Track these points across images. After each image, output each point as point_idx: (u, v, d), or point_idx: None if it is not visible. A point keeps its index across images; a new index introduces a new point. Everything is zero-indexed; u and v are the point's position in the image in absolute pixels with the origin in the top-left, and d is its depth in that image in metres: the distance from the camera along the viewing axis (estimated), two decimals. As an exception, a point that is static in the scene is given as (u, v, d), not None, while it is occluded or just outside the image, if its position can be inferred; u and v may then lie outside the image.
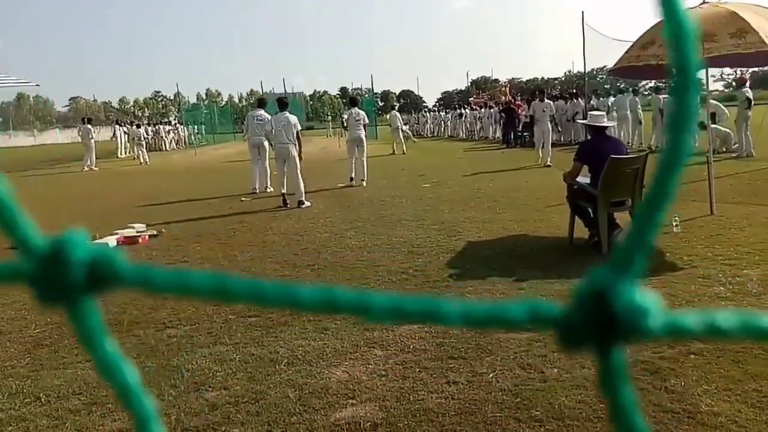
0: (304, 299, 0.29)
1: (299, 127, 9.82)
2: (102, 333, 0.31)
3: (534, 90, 28.78)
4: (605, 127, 5.99)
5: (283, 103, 10.12)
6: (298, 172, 9.57)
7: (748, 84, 13.68)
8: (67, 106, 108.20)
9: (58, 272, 0.29)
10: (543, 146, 14.30)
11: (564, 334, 0.29)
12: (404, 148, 21.43)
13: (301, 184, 9.52)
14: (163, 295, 0.30)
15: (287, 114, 9.77)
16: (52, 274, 0.29)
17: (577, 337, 0.29)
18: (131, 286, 0.29)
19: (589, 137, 6.15)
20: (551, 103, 15.24)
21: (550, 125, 14.70)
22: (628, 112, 17.40)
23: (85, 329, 0.31)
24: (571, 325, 0.29)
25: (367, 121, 12.46)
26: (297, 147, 9.69)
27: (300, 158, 9.74)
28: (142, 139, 24.03)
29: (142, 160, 22.72)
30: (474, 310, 0.29)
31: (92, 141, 21.24)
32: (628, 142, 17.41)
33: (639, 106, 17.54)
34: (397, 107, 26.81)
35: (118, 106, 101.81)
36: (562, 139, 20.64)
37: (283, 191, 9.73)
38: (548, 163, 13.53)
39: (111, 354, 0.32)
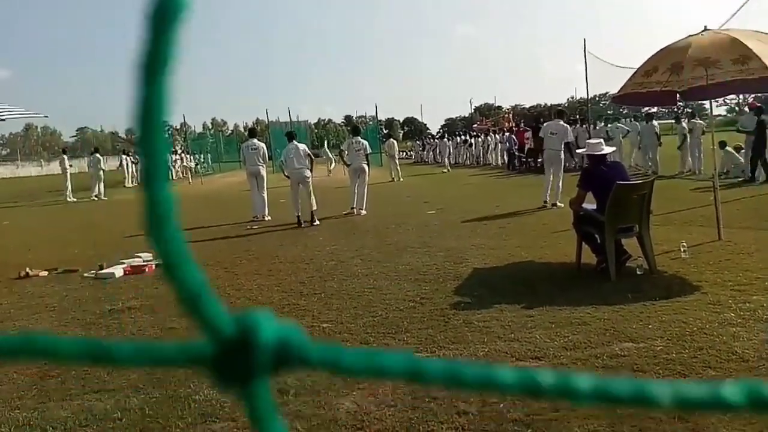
0: (504, 381, 0.28)
1: (309, 151, 11.02)
2: (273, 413, 0.31)
3: (537, 116, 28.80)
4: (605, 155, 6.01)
5: (290, 135, 11.46)
6: (311, 191, 10.65)
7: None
8: (74, 136, 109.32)
9: (246, 357, 0.28)
10: (552, 178, 11.38)
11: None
12: (400, 176, 21.82)
13: (314, 204, 10.59)
14: (352, 376, 0.30)
15: (296, 143, 10.94)
16: (237, 358, 0.28)
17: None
18: (317, 367, 0.29)
19: (587, 165, 6.15)
20: (565, 125, 11.90)
21: (562, 155, 11.58)
22: (643, 137, 17.52)
23: (259, 410, 0.30)
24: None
25: (369, 150, 12.53)
26: (311, 168, 10.83)
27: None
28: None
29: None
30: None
31: (101, 171, 21.42)
32: (632, 165, 17.51)
33: (657, 131, 17.55)
34: (401, 135, 27.52)
35: (125, 136, 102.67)
36: (568, 164, 20.65)
37: (297, 214, 10.57)
38: (557, 203, 10.94)
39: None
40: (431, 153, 39.89)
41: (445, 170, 26.64)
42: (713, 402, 0.28)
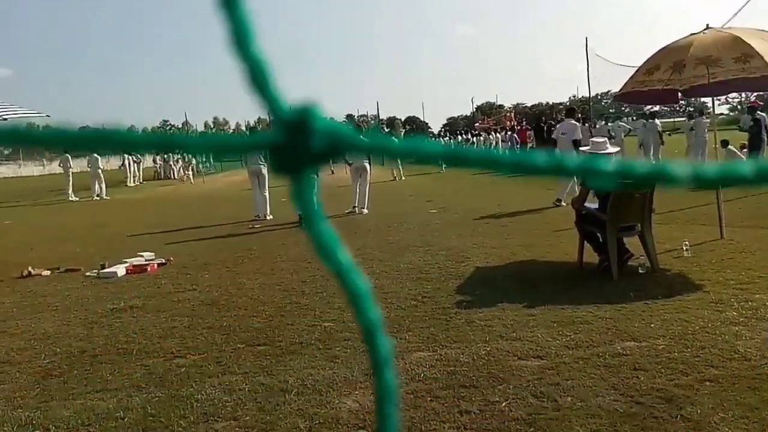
0: (536, 163, 0.31)
1: None
2: (320, 211, 0.34)
3: (539, 115, 28.82)
4: (609, 154, 6.01)
5: None
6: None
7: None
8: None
9: (304, 140, 0.31)
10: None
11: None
12: (402, 174, 21.74)
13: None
14: (398, 158, 0.32)
15: None
16: (297, 142, 0.31)
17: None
18: (367, 151, 0.32)
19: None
20: (575, 123, 12.01)
21: (575, 154, 11.76)
22: (645, 135, 17.53)
23: (307, 203, 0.33)
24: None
25: None
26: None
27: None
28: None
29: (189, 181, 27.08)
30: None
31: (100, 170, 21.43)
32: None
33: (659, 129, 17.57)
34: (402, 134, 27.27)
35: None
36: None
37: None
38: (559, 202, 10.89)
39: (327, 233, 0.34)
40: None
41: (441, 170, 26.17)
42: (728, 177, 0.31)
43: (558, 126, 12.86)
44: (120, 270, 7.08)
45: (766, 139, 13.17)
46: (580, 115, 24.43)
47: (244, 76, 0.32)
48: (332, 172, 26.20)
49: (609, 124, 19.91)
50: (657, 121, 17.84)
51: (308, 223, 0.34)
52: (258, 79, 0.32)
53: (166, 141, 0.33)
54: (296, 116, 0.32)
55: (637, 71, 7.17)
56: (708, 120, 16.24)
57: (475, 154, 0.31)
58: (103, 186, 21.42)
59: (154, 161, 37.51)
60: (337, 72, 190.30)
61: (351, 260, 0.34)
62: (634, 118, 23.80)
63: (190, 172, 29.39)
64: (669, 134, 19.12)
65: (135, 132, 0.32)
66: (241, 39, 0.32)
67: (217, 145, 0.33)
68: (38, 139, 0.32)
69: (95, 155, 21.86)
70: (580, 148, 11.41)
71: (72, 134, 0.32)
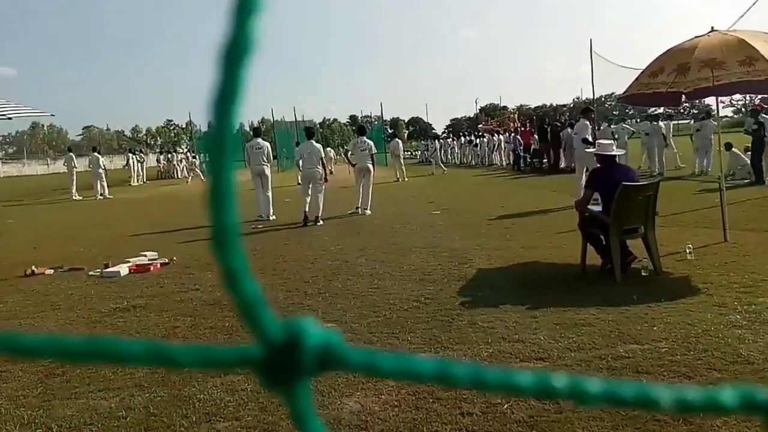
0: (522, 384, 0.31)
1: (323, 154, 11.24)
2: (313, 413, 0.33)
3: (542, 117, 28.74)
4: (614, 156, 6.00)
5: (310, 132, 11.71)
6: (321, 193, 10.84)
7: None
8: (80, 135, 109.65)
9: (293, 360, 0.31)
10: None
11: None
12: (405, 175, 21.67)
13: (321, 206, 10.75)
14: (387, 377, 0.32)
15: (313, 142, 11.18)
16: (285, 361, 0.31)
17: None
18: (357, 369, 0.31)
19: (598, 165, 6.16)
20: (586, 122, 11.92)
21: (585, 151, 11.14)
22: (654, 138, 17.48)
23: (301, 410, 0.33)
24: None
25: (374, 150, 12.55)
26: (322, 170, 11.00)
27: (326, 180, 11.04)
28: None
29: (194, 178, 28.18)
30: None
31: (101, 170, 21.48)
32: (640, 167, 17.46)
33: (663, 132, 17.51)
34: (406, 135, 27.37)
35: (131, 135, 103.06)
36: (574, 164, 20.66)
37: (304, 210, 10.68)
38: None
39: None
40: (435, 153, 39.88)
41: (432, 172, 25.42)
42: (710, 405, 0.31)
43: (575, 126, 12.84)
44: (123, 269, 7.10)
45: None
46: (593, 116, 24.45)
47: (235, 302, 0.32)
48: (332, 173, 26.28)
49: (613, 126, 19.87)
50: (661, 123, 17.79)
51: (302, 426, 0.33)
52: (247, 307, 0.32)
53: (156, 352, 0.32)
54: (286, 336, 0.31)
55: (641, 73, 7.15)
56: (714, 122, 16.19)
57: (463, 372, 0.31)
58: (105, 185, 21.47)
59: (158, 161, 37.63)
60: (342, 73, 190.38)
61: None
62: (638, 120, 23.77)
63: (198, 172, 29.38)
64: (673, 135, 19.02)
65: (128, 343, 0.32)
66: (234, 275, 0.32)
67: (206, 360, 0.33)
68: (31, 348, 0.32)
69: (96, 154, 21.93)
70: (587, 150, 11.33)
71: (65, 344, 0.32)
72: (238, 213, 0.32)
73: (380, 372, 0.31)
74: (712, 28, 6.85)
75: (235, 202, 0.32)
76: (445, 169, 26.64)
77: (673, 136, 19.24)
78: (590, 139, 11.51)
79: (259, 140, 12.24)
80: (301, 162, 11.19)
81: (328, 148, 35.39)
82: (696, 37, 6.76)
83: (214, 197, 0.32)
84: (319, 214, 10.69)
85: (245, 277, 0.32)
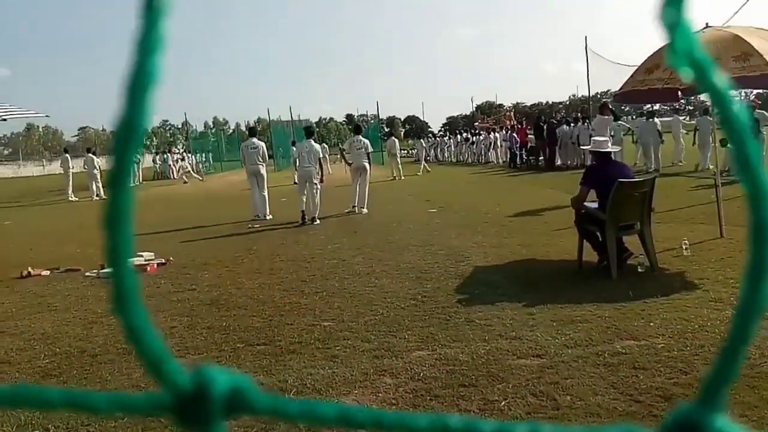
0: (420, 426, 0.32)
1: (321, 154, 11.17)
2: None
3: (539, 114, 28.75)
4: (610, 153, 6.00)
5: (309, 131, 11.65)
6: (318, 193, 10.77)
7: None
8: (76, 135, 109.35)
9: (201, 407, 0.31)
10: None
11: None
12: (401, 174, 21.67)
13: (318, 205, 10.75)
14: (293, 421, 0.34)
15: (311, 141, 11.11)
16: (194, 409, 0.31)
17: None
18: (264, 414, 0.32)
19: (594, 162, 6.17)
20: (603, 118, 11.53)
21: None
22: (645, 134, 17.50)
23: None
24: None
25: (371, 149, 12.55)
26: (319, 171, 10.94)
27: (321, 180, 10.98)
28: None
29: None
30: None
31: (96, 171, 21.43)
32: (636, 164, 17.48)
33: (658, 128, 17.54)
34: (402, 133, 27.25)
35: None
36: (570, 162, 20.72)
37: (302, 209, 10.66)
38: None
39: None
40: (432, 151, 39.94)
41: (419, 173, 24.21)
42: None
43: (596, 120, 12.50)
44: (119, 270, 7.07)
45: (765, 137, 13.17)
46: (580, 114, 24.46)
47: (139, 357, 0.32)
48: (330, 172, 26.26)
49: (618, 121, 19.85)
50: (657, 119, 17.83)
51: None
52: (152, 362, 0.32)
53: (74, 400, 0.33)
54: (193, 386, 0.32)
55: (636, 70, 7.17)
56: (711, 119, 16.21)
57: (363, 416, 0.32)
58: (100, 186, 21.41)
59: (154, 161, 37.56)
60: (337, 71, 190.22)
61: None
62: (634, 117, 23.81)
63: (198, 173, 29.41)
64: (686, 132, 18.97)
65: (49, 391, 0.33)
66: (135, 332, 0.32)
67: (123, 407, 0.33)
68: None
69: (90, 155, 21.89)
70: (581, 147, 11.26)
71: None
72: (131, 264, 0.32)
73: (286, 416, 0.32)
74: (707, 24, 6.86)
75: (131, 244, 0.32)
76: (429, 169, 25.94)
77: (683, 132, 19.24)
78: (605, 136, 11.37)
79: (255, 140, 12.26)
80: (298, 161, 11.17)
81: (323, 144, 35.41)
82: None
83: (111, 240, 0.32)
84: (317, 214, 10.69)
85: (147, 332, 0.32)
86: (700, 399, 0.29)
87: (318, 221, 10.58)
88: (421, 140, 34.12)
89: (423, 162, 26.60)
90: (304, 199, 10.76)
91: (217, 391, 0.31)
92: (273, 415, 0.32)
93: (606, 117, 11.62)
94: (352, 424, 0.32)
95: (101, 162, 22.71)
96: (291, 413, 0.32)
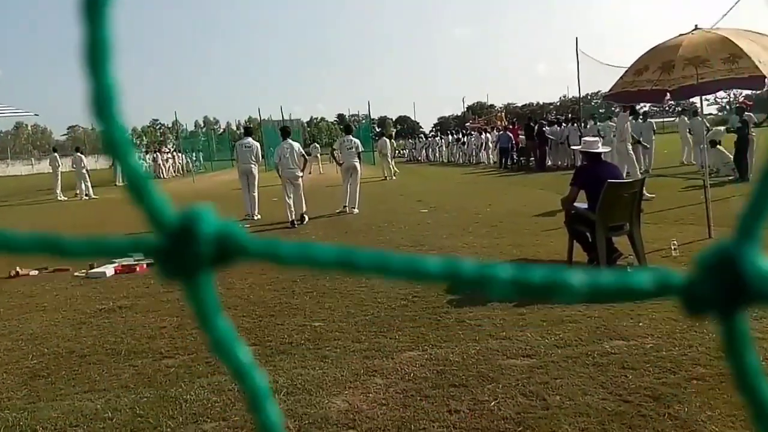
0: (431, 270, 0.29)
1: (302, 152, 11.00)
2: (217, 310, 0.32)
3: (530, 115, 28.77)
4: (600, 153, 6.03)
5: (286, 131, 11.26)
6: (301, 189, 10.66)
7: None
8: (65, 134, 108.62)
9: (188, 247, 0.29)
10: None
11: (690, 301, 0.29)
12: (393, 174, 21.63)
13: (304, 202, 10.65)
14: (288, 266, 0.31)
15: (291, 141, 10.85)
16: (181, 249, 0.29)
17: (703, 303, 0.29)
18: (257, 258, 0.30)
19: (584, 162, 6.20)
20: (624, 114, 11.26)
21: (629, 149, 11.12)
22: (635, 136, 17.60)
23: (203, 305, 0.31)
24: (698, 291, 0.29)
25: (361, 148, 12.52)
26: (302, 170, 10.84)
27: (302, 170, 10.91)
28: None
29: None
30: (599, 281, 0.30)
31: (84, 169, 21.29)
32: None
33: (654, 128, 17.67)
34: (394, 133, 27.07)
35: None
36: (560, 162, 20.81)
37: (291, 219, 10.50)
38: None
39: (225, 331, 0.32)
40: (423, 151, 39.99)
41: (386, 177, 21.69)
42: (625, 290, 0.31)
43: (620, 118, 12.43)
44: (109, 270, 7.04)
45: (753, 139, 13.29)
46: (570, 115, 24.57)
47: (125, 181, 0.30)
48: (320, 173, 26.23)
49: (599, 123, 19.96)
50: (651, 120, 17.98)
51: (204, 323, 0.32)
52: (136, 185, 0.30)
53: (49, 244, 0.31)
54: (180, 223, 0.30)
55: (626, 72, 7.20)
56: (701, 120, 16.33)
57: (367, 258, 0.30)
58: (89, 185, 21.27)
59: (144, 160, 37.34)
60: (329, 71, 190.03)
61: (250, 358, 0.32)
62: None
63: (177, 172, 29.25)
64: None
65: (23, 235, 0.31)
66: (117, 146, 0.30)
67: (103, 249, 0.32)
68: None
69: (78, 154, 21.74)
70: (572, 148, 11.27)
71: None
72: (117, 83, 0.30)
73: (280, 260, 0.30)
74: (696, 26, 6.91)
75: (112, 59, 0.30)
76: (396, 170, 23.41)
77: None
78: (628, 133, 11.18)
79: (249, 139, 12.21)
80: (281, 163, 10.73)
81: (315, 144, 35.24)
82: (680, 35, 6.82)
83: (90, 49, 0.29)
84: (304, 211, 10.63)
85: (131, 157, 0.30)
86: (736, 234, 0.29)
87: (307, 218, 10.56)
88: (384, 139, 29.25)
89: (390, 163, 22.99)
90: (291, 203, 10.54)
91: (204, 231, 0.29)
92: (265, 259, 0.30)
93: (629, 115, 11.53)
94: (354, 269, 0.30)
95: (92, 161, 22.57)
96: (285, 256, 0.30)
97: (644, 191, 9.96)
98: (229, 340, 0.32)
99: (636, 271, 0.31)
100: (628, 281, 0.30)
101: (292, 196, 10.60)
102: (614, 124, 20.28)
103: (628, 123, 11.57)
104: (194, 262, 0.30)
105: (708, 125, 15.44)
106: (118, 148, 0.30)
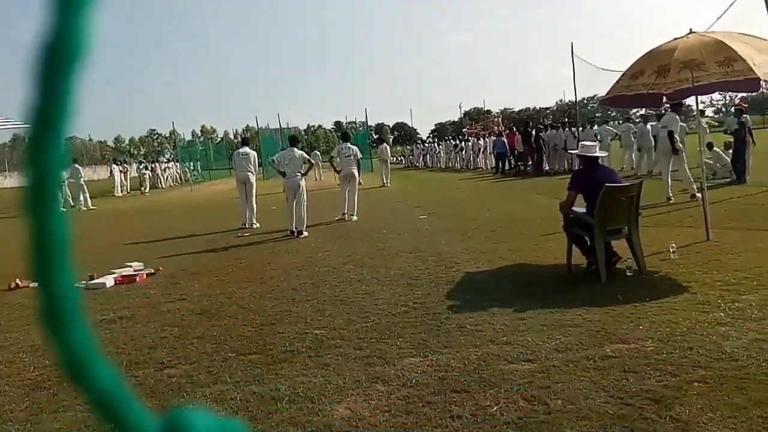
0: None
1: (307, 157, 10.81)
2: None
3: (526, 120, 28.88)
4: (597, 157, 6.06)
5: (294, 140, 11.14)
6: (305, 203, 10.36)
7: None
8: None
9: None
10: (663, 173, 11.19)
11: None
12: (390, 180, 21.70)
13: (305, 216, 10.31)
14: None
15: (295, 149, 10.64)
16: None
17: None
18: None
19: (581, 166, 6.22)
20: (672, 115, 10.90)
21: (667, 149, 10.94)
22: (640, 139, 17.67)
23: None
24: None
25: (360, 155, 12.52)
26: (305, 174, 10.63)
27: (305, 173, 10.69)
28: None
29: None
30: None
31: (82, 180, 21.29)
32: (623, 168, 17.62)
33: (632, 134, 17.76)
34: (391, 140, 27.16)
35: (114, 145, 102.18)
36: (557, 167, 20.85)
37: (291, 229, 10.29)
38: (693, 197, 10.33)
39: None
40: (421, 157, 40.06)
41: (384, 183, 21.69)
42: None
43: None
44: (108, 281, 7.04)
45: (750, 141, 13.34)
46: (567, 119, 24.60)
47: (92, 404, 0.24)
48: (316, 179, 26.21)
49: (596, 127, 20.03)
50: (649, 125, 18.03)
51: None
52: (104, 401, 0.25)
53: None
54: None
55: (622, 76, 7.23)
56: (704, 121, 16.38)
57: None
58: (87, 196, 21.28)
59: (141, 171, 37.34)
60: (326, 78, 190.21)
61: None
62: (620, 121, 24.06)
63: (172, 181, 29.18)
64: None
65: None
66: (77, 362, 0.24)
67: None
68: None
69: (76, 165, 21.76)
70: (569, 151, 11.28)
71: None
72: (74, 271, 0.22)
73: None
74: (691, 29, 6.95)
75: (69, 252, 0.22)
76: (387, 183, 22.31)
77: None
78: (677, 133, 10.95)
79: (246, 148, 12.25)
80: (282, 169, 10.58)
81: (315, 151, 35.32)
82: (675, 38, 6.86)
83: (38, 250, 0.22)
84: (303, 228, 10.21)
85: (95, 361, 0.24)
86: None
87: (305, 233, 10.12)
88: (384, 144, 28.70)
89: (383, 173, 22.60)
90: (293, 213, 10.25)
91: None
92: None
93: (677, 115, 11.18)
94: None
95: (89, 172, 22.57)
96: None
97: (695, 193, 10.00)
98: None
99: None
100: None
101: (294, 207, 10.24)
102: (611, 128, 20.42)
103: (678, 122, 11.21)
104: None
105: (706, 127, 15.50)
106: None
